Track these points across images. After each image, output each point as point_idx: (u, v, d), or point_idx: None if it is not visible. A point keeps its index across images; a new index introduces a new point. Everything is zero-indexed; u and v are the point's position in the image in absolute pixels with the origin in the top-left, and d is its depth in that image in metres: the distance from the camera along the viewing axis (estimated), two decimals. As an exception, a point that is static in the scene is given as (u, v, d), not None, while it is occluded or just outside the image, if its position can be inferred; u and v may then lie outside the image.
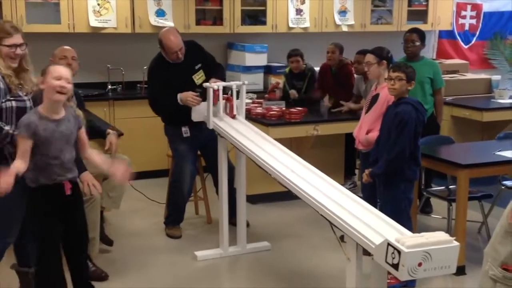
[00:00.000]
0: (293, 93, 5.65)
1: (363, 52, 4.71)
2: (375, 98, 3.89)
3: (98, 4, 5.77)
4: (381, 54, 3.91)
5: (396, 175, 3.51)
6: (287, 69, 5.86)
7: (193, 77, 4.37)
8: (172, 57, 4.27)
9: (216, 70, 4.45)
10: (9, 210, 3.17)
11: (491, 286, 2.17)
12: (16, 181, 3.05)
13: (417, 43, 4.77)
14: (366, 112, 3.94)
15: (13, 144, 3.08)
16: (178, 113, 4.32)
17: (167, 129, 4.57)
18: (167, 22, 6.04)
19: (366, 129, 3.89)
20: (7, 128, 3.10)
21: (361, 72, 4.79)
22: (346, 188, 5.44)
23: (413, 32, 4.83)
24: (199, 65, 4.41)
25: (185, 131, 4.41)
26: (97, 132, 4.11)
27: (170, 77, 4.28)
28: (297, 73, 5.70)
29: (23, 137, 2.91)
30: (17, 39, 3.23)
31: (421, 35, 4.82)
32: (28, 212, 3.08)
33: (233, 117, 4.09)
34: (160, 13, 6.05)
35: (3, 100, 3.09)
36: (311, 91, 5.72)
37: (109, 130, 4.08)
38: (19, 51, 3.23)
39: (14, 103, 3.14)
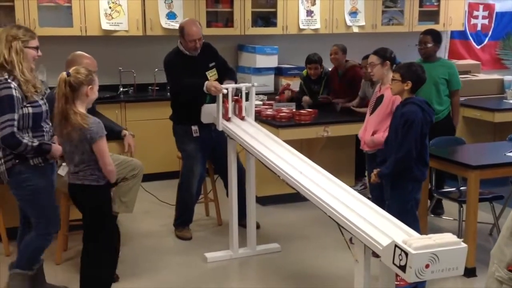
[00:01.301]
0: (306, 99, 5.60)
1: (428, 33, 4.78)
2: (379, 99, 3.89)
3: (110, 7, 5.82)
4: (384, 55, 3.92)
5: (403, 175, 3.51)
6: (304, 72, 5.80)
7: (207, 73, 4.42)
8: (190, 45, 4.33)
9: (229, 74, 4.49)
10: (54, 202, 3.33)
11: (497, 287, 2.16)
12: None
13: (429, 45, 4.75)
14: (371, 113, 3.94)
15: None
16: (190, 109, 4.34)
17: (176, 129, 4.59)
18: (178, 25, 6.06)
19: (371, 131, 3.89)
20: (25, 141, 3.17)
21: (370, 77, 4.74)
22: (357, 189, 5.46)
23: (427, 34, 4.81)
24: (213, 64, 4.48)
25: (195, 130, 4.42)
26: (112, 133, 4.17)
27: (186, 70, 4.33)
28: (314, 79, 5.65)
29: (105, 136, 3.14)
30: (37, 41, 3.36)
31: (435, 36, 4.79)
32: (103, 209, 3.27)
33: (242, 118, 4.11)
34: (171, 16, 6.08)
35: (20, 107, 3.17)
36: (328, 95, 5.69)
37: (125, 131, 4.14)
38: (39, 53, 3.37)
39: (30, 109, 3.21)
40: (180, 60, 4.40)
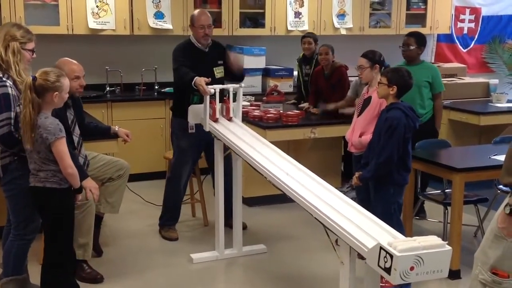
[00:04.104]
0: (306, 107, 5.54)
1: (411, 35, 4.81)
2: (367, 101, 3.91)
3: (97, 6, 5.79)
4: (374, 58, 3.94)
5: (385, 180, 3.53)
6: (300, 55, 5.84)
7: (214, 68, 4.44)
8: (200, 32, 4.36)
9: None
10: (28, 205, 3.25)
11: (480, 290, 2.18)
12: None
13: (412, 47, 4.74)
14: (359, 115, 3.96)
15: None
16: (188, 103, 4.32)
17: (174, 122, 4.56)
18: (166, 24, 6.06)
19: (359, 132, 3.91)
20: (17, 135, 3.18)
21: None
22: (345, 190, 5.46)
23: (411, 36, 4.81)
24: (221, 62, 4.52)
25: (191, 126, 4.34)
26: (102, 131, 4.17)
27: (194, 61, 4.33)
28: (308, 58, 5.64)
29: (64, 138, 3.03)
30: (34, 43, 3.34)
31: (419, 39, 4.78)
32: (64, 214, 3.16)
33: (229, 119, 4.11)
34: (159, 15, 6.06)
35: (17, 105, 3.17)
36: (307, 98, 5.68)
37: (113, 127, 4.17)
38: (34, 55, 3.35)
39: None
40: (189, 51, 4.41)
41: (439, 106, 4.85)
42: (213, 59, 4.48)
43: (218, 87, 4.10)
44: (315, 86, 5.54)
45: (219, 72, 4.47)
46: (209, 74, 4.23)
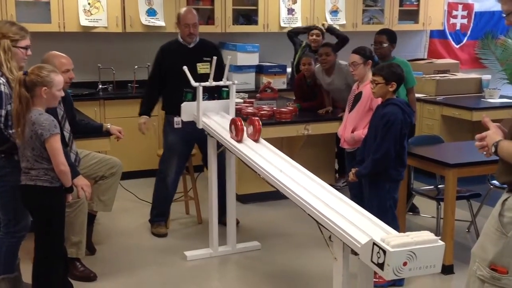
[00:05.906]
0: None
1: (382, 33, 4.75)
2: (358, 96, 3.91)
3: (89, 3, 5.76)
4: (366, 54, 3.94)
5: (381, 175, 3.53)
6: (303, 44, 5.85)
7: (197, 64, 4.43)
8: (185, 31, 4.41)
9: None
10: (18, 203, 3.22)
11: (479, 286, 2.17)
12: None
13: (385, 45, 4.70)
14: (350, 110, 3.95)
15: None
16: (172, 100, 4.32)
17: (165, 118, 4.64)
18: (158, 22, 6.04)
19: (351, 128, 3.92)
20: (12, 138, 3.14)
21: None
22: (340, 186, 5.47)
23: (382, 34, 4.76)
24: (207, 59, 4.40)
25: (177, 121, 4.35)
26: (94, 129, 4.15)
27: (175, 58, 4.35)
28: (314, 52, 5.60)
29: (58, 135, 3.01)
30: (28, 40, 3.31)
31: (390, 36, 4.74)
32: (53, 214, 3.13)
33: (256, 141, 3.72)
34: (151, 13, 6.04)
35: (9, 103, 3.14)
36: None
37: (106, 125, 4.16)
38: (29, 52, 3.33)
39: None
40: (173, 47, 4.47)
41: (412, 100, 4.78)
42: (197, 55, 4.47)
43: (211, 84, 4.08)
44: (299, 92, 5.54)
45: (202, 68, 4.45)
46: (190, 69, 4.13)
